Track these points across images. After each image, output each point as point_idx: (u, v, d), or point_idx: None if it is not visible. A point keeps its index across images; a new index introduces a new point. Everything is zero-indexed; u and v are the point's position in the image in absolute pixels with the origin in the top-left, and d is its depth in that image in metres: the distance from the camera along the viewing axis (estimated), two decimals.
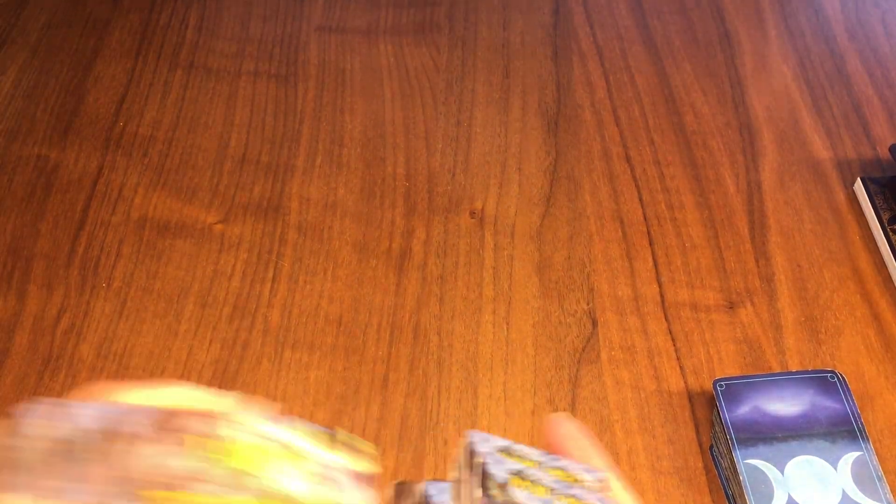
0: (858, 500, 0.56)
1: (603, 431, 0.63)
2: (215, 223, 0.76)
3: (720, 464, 0.61)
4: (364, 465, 0.24)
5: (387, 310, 0.70)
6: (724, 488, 0.60)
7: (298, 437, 0.23)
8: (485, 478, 0.24)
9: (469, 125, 0.84)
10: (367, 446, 0.24)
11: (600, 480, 0.24)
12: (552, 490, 0.24)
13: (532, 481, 0.24)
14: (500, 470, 0.24)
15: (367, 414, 0.64)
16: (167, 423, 0.22)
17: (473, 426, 0.63)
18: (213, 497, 0.21)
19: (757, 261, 0.74)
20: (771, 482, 0.57)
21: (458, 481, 0.25)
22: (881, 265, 0.73)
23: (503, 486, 0.24)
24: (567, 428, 0.28)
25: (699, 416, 0.64)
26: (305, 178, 0.79)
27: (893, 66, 0.90)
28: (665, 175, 0.80)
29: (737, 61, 0.90)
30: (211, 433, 0.22)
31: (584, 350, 0.68)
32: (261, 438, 0.22)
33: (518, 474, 0.24)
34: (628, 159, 0.81)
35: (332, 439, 0.24)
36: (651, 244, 0.75)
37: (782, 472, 0.57)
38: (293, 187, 0.78)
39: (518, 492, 0.23)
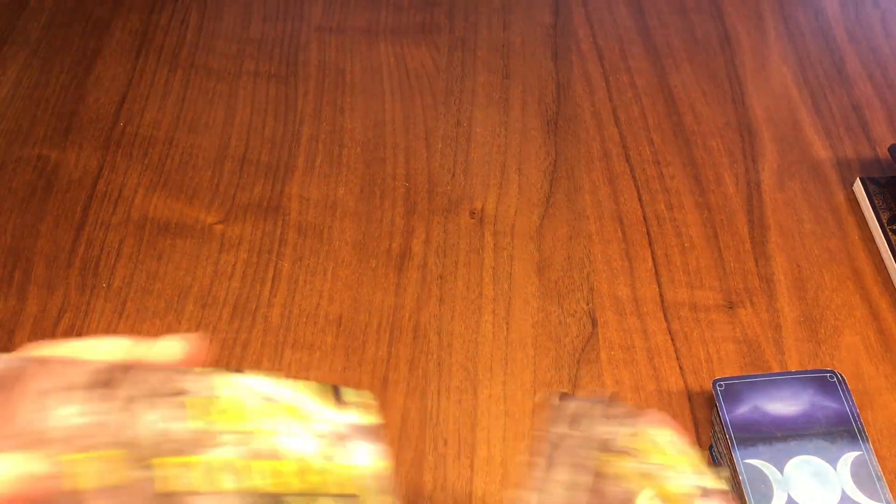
0: (858, 500, 0.56)
1: None
2: (215, 223, 0.76)
3: (720, 464, 0.61)
4: (371, 419, 0.23)
5: (387, 310, 0.70)
6: None
7: (301, 396, 0.23)
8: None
9: (469, 125, 0.84)
10: (370, 398, 0.24)
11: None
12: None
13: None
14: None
15: None
16: (163, 387, 0.21)
17: (473, 426, 0.63)
18: (223, 459, 0.21)
19: (756, 261, 0.74)
20: (770, 482, 0.57)
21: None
22: (881, 265, 0.73)
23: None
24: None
25: (699, 416, 0.64)
26: (305, 178, 0.79)
27: (893, 67, 0.90)
28: (664, 175, 0.80)
29: (736, 61, 0.91)
30: (211, 395, 0.21)
31: (583, 350, 0.68)
32: (263, 399, 0.22)
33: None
34: (628, 159, 0.81)
35: (337, 395, 0.24)
36: (651, 244, 0.75)
37: (782, 472, 0.57)
38: (293, 187, 0.78)
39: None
